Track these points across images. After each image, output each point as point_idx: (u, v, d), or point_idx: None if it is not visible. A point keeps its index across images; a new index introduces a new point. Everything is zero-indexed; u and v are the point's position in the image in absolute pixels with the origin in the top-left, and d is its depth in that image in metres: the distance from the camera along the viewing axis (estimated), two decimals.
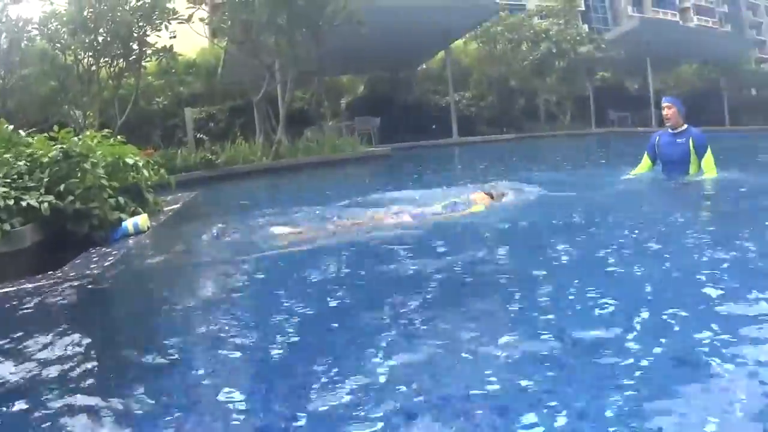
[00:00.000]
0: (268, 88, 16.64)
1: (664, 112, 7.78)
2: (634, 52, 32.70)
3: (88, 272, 4.29)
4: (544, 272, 3.80)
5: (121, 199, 6.08)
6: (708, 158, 7.45)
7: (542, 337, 2.64)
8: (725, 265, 3.78)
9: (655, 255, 4.29)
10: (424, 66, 33.60)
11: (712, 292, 3.13)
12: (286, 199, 10.52)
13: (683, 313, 2.82)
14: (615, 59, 32.87)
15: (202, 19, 15.65)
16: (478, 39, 32.09)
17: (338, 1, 15.70)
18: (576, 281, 3.56)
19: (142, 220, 5.89)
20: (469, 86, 32.02)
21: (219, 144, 17.09)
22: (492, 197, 6.64)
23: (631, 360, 2.30)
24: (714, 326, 2.58)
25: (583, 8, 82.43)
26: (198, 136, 19.84)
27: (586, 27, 54.47)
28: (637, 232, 5.19)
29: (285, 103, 17.27)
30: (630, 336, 2.57)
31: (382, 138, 24.04)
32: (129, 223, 5.77)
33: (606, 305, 3.05)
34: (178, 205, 7.92)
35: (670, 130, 7.76)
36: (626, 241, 4.77)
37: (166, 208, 7.50)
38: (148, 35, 15.12)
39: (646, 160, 8.10)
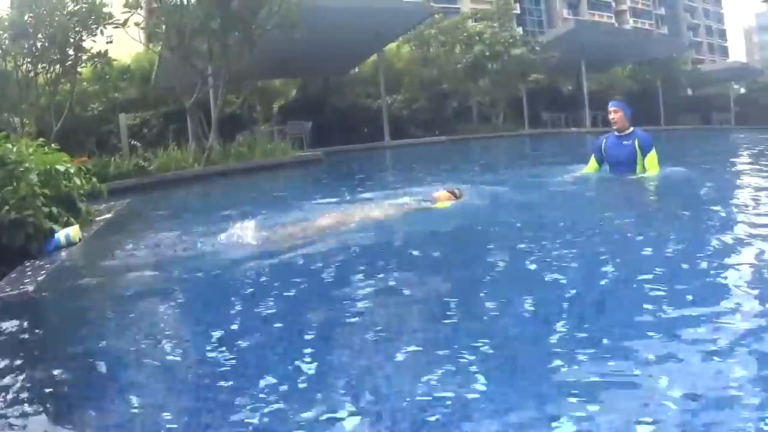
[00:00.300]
0: (200, 93, 16.70)
1: (611, 116, 8.17)
2: (569, 54, 33.69)
3: (23, 287, 4.29)
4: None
5: (54, 209, 6.11)
6: (651, 157, 7.91)
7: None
8: (666, 254, 4.34)
9: (599, 246, 4.93)
10: (357, 69, 34.02)
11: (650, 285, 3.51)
12: (218, 205, 10.51)
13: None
14: (549, 61, 33.63)
15: (137, 24, 15.71)
16: (411, 42, 32.84)
17: (272, 4, 15.91)
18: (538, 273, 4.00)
19: (74, 231, 5.90)
20: (401, 89, 32.63)
21: (152, 150, 17.12)
22: (456, 196, 6.98)
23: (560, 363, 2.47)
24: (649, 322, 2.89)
25: (518, 11, 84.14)
26: (131, 142, 19.80)
27: (520, 30, 55.51)
28: (578, 227, 5.67)
29: (217, 108, 17.42)
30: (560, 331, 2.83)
31: (314, 142, 24.40)
32: (61, 235, 5.78)
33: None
34: (110, 215, 7.88)
35: (616, 133, 8.18)
36: (568, 238, 5.21)
37: (98, 218, 7.49)
38: (84, 40, 15.13)
39: (592, 162, 8.55)
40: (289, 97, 33.01)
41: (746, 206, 6.62)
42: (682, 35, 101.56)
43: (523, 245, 4.97)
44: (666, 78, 43.47)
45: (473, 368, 2.45)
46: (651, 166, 7.92)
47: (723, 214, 6.13)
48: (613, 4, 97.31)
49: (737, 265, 4.00)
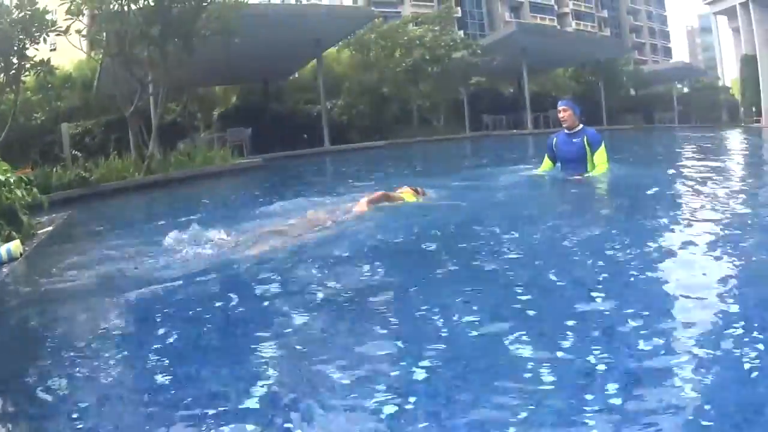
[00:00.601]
0: (140, 101, 16.67)
1: (560, 114, 8.47)
2: (511, 56, 34.67)
3: None
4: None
5: None
6: (600, 153, 8.21)
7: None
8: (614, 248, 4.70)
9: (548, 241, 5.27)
10: (297, 75, 34.54)
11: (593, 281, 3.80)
12: (158, 216, 10.37)
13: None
14: (491, 64, 34.35)
15: (78, 31, 15.55)
16: (352, 47, 33.42)
17: (210, 10, 16.19)
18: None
19: (15, 246, 5.79)
20: (341, 94, 33.03)
21: (94, 160, 17.03)
22: (418, 192, 7.21)
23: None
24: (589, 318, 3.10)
25: (459, 14, 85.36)
26: (73, 152, 19.64)
27: (461, 33, 56.38)
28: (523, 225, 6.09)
29: (157, 116, 17.43)
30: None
31: (255, 149, 24.68)
32: (2, 250, 5.66)
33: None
34: (51, 228, 7.86)
35: (566, 131, 8.52)
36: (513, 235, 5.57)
37: (39, 231, 7.44)
38: (28, 48, 14.95)
39: (546, 161, 8.91)
40: (229, 103, 33.43)
41: (684, 204, 7.20)
42: (625, 37, 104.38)
43: (474, 245, 5.21)
44: (608, 79, 44.87)
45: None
46: (600, 162, 8.24)
47: (660, 212, 6.58)
48: (556, 7, 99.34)
49: (672, 259, 4.35)
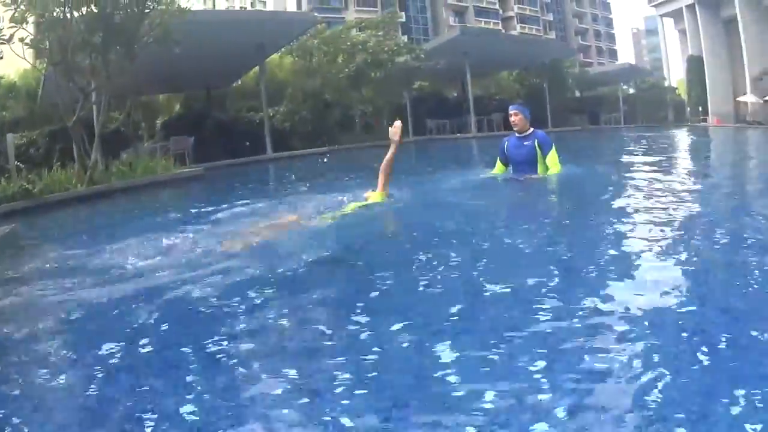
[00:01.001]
0: (82, 110, 16.36)
1: (512, 118, 8.86)
2: (454, 60, 35.37)
3: None
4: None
5: None
6: (552, 156, 8.60)
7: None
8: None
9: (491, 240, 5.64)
10: (240, 82, 34.78)
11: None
12: (99, 227, 10.19)
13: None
14: (434, 68, 35.14)
15: (21, 39, 15.22)
16: (294, 53, 33.95)
17: (152, 18, 16.25)
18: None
19: None
20: (284, 101, 33.01)
21: (37, 171, 16.70)
22: (384, 194, 7.32)
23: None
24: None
25: (404, 19, 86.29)
26: (15, 163, 18.97)
27: (405, 38, 57.05)
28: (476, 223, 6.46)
29: (98, 125, 17.19)
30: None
31: (198, 157, 24.44)
32: None
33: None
34: None
35: (517, 135, 8.91)
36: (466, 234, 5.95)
37: None
38: None
39: (498, 164, 9.30)
40: (173, 112, 33.60)
41: (629, 201, 7.72)
42: (570, 40, 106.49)
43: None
44: (553, 81, 46.13)
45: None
46: (552, 164, 8.62)
47: (607, 209, 7.08)
48: (500, 11, 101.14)
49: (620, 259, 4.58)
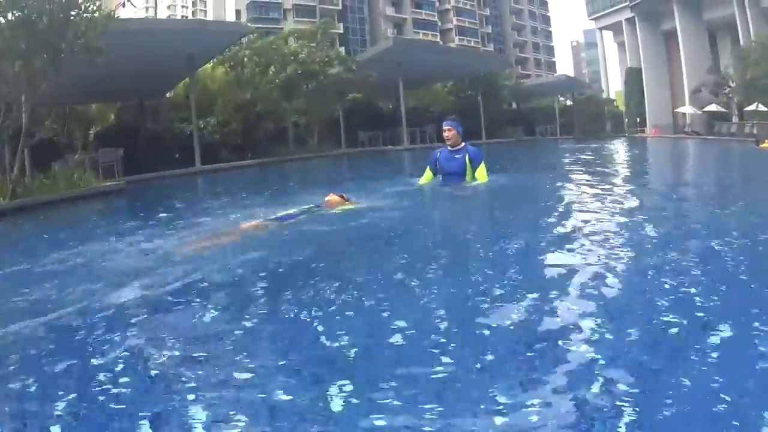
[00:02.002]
0: (6, 120, 16.17)
1: (445, 133, 9.39)
2: (388, 72, 35.68)
3: None
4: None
5: None
6: (481, 169, 9.23)
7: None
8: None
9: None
10: (172, 93, 34.66)
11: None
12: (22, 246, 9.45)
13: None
14: (367, 80, 35.37)
15: None
16: (226, 64, 33.85)
17: (77, 26, 16.11)
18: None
19: None
20: (215, 112, 33.08)
21: None
22: (345, 199, 7.72)
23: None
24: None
25: (342, 31, 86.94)
26: None
27: (343, 49, 57.49)
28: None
29: (23, 136, 16.85)
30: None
31: (128, 169, 24.17)
32: None
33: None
34: None
35: (449, 148, 9.45)
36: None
37: None
38: None
39: (428, 173, 9.77)
40: (107, 122, 33.36)
41: (552, 209, 7.93)
42: (509, 52, 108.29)
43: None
44: (487, 93, 46.89)
45: None
46: (481, 176, 9.25)
47: (534, 216, 7.52)
48: (439, 23, 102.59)
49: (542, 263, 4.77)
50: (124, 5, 19.62)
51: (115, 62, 17.70)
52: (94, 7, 16.82)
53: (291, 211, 7.25)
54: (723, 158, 24.68)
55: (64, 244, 7.42)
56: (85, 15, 16.57)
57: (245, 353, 3.07)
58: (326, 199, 7.66)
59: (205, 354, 3.08)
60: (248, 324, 3.58)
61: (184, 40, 24.43)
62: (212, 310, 3.90)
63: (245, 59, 33.32)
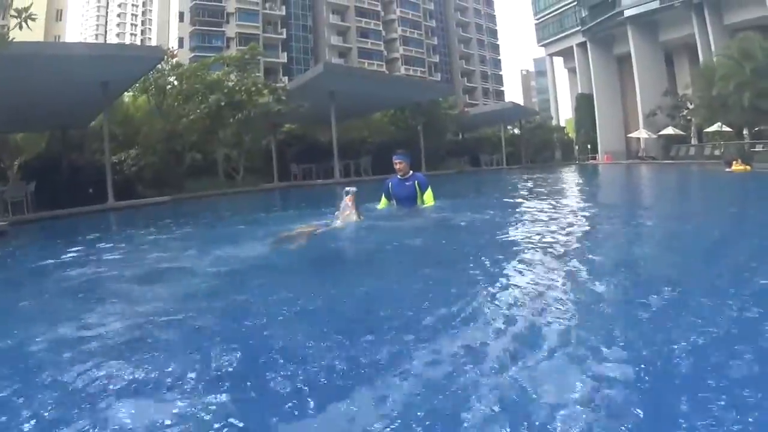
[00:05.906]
0: None
1: (397, 166, 11.06)
2: (321, 101, 34.74)
3: None
4: None
5: None
6: (428, 193, 11.02)
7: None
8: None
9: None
10: (94, 123, 32.85)
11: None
12: None
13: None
14: (299, 110, 34.43)
15: None
16: (149, 92, 32.88)
17: None
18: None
19: None
20: (136, 143, 31.29)
21: None
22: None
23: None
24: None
25: (285, 60, 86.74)
26: None
27: (286, 79, 56.90)
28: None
29: None
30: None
31: (42, 205, 23.46)
32: None
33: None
34: None
35: (399, 177, 11.15)
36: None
37: None
38: None
39: (383, 200, 11.39)
40: (34, 152, 32.35)
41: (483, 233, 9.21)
42: (456, 81, 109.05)
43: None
44: (429, 123, 46.29)
45: None
46: (428, 200, 11.01)
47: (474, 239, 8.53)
48: (385, 53, 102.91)
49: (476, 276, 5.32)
50: (21, 27, 18.90)
51: (30, 90, 16.77)
52: None
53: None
54: (700, 184, 25.36)
55: None
56: None
57: None
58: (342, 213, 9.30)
59: None
60: None
61: (97, 67, 23.21)
62: None
63: (168, 87, 32.62)
